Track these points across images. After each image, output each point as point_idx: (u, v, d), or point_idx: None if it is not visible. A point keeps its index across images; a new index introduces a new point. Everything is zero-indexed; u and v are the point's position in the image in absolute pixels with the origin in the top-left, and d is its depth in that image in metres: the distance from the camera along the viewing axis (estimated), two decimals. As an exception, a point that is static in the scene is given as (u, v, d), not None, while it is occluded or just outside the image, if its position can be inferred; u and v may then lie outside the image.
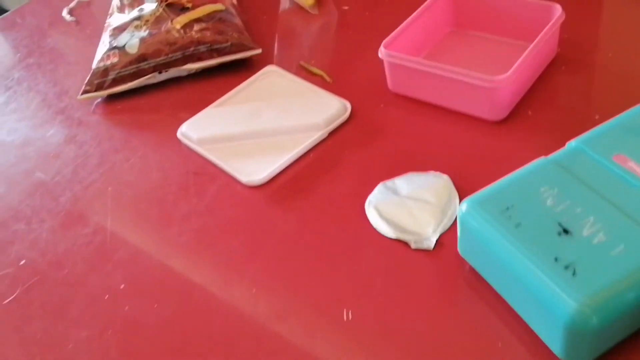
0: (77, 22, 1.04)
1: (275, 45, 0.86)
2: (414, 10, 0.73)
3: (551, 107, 0.66)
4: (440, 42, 0.77)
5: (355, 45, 0.83)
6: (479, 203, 0.48)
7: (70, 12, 1.06)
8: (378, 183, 0.62)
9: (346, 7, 0.90)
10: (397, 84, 0.71)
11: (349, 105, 0.71)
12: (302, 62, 0.80)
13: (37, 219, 0.68)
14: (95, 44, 0.92)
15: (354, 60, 0.80)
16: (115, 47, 0.80)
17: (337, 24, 0.87)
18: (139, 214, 0.66)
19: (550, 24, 0.66)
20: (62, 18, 1.06)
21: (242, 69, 0.81)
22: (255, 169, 0.66)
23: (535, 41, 0.64)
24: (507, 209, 0.47)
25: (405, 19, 0.72)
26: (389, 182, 0.61)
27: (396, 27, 0.70)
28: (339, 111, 0.70)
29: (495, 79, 0.61)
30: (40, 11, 1.12)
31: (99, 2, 1.09)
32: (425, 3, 0.74)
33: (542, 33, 0.64)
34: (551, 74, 0.70)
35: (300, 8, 0.92)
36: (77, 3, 1.08)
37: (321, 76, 0.77)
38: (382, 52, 0.68)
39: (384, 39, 0.69)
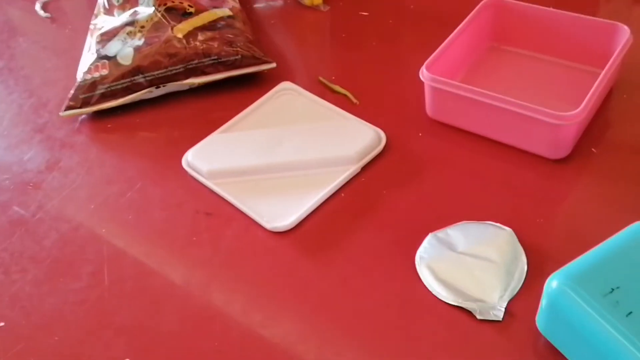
0: (52, 19, 0.91)
1: (289, 56, 0.76)
2: (439, 15, 0.64)
3: (617, 144, 0.58)
4: (480, 58, 0.68)
5: (381, 59, 0.73)
6: (575, 281, 0.40)
7: (44, 7, 0.94)
8: (425, 231, 0.53)
9: (365, 13, 0.80)
10: (439, 111, 0.62)
11: (383, 135, 0.62)
12: (321, 78, 0.71)
13: (17, 267, 0.58)
14: (76, 47, 0.80)
15: (381, 77, 0.70)
16: (104, 57, 0.69)
17: (357, 33, 0.78)
18: (141, 265, 0.56)
19: (619, 48, 0.57)
20: (35, 13, 0.93)
21: (252, 84, 0.71)
22: (278, 210, 0.57)
23: (606, 68, 0.56)
24: (612, 291, 0.39)
25: (430, 24, 0.63)
26: (440, 233, 0.53)
27: (424, 37, 0.61)
28: (372, 141, 0.61)
29: (564, 116, 0.53)
30: (8, 3, 0.99)
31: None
32: (468, 18, 0.65)
33: (613, 59, 0.56)
34: (613, 103, 0.62)
35: (313, 11, 0.82)
36: (52, -4, 0.96)
37: (345, 96, 0.68)
38: (424, 76, 0.59)
39: (413, 52, 0.60)
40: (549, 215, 0.53)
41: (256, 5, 0.86)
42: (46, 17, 0.92)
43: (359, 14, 0.80)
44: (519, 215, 0.53)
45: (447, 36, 0.63)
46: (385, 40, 0.76)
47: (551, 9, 0.64)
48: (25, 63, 0.84)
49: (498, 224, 0.53)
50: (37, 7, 0.93)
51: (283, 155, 0.61)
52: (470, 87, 0.57)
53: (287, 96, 0.69)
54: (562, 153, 0.57)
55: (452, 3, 0.79)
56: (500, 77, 0.66)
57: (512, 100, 0.55)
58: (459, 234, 0.52)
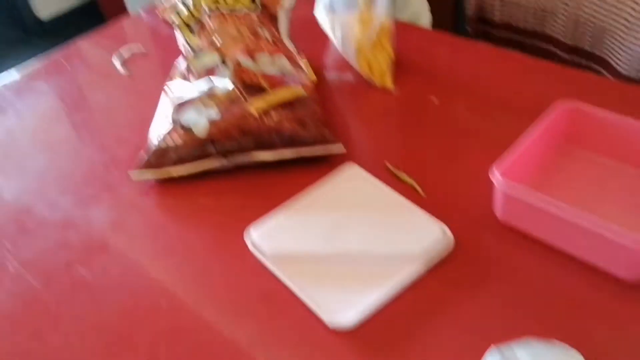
0: (130, 76, 0.95)
1: (357, 137, 0.76)
2: (511, 107, 0.63)
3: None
4: (552, 159, 0.67)
5: (450, 150, 0.73)
6: None
7: (123, 63, 0.98)
8: (488, 341, 0.52)
9: (435, 100, 0.80)
10: (510, 215, 0.61)
11: (449, 233, 0.61)
12: (388, 164, 0.70)
13: (76, 334, 0.58)
14: (150, 105, 0.83)
15: (450, 170, 0.70)
16: (179, 125, 0.71)
17: (426, 119, 0.78)
18: (197, 340, 0.56)
19: None
20: (114, 67, 0.97)
21: (319, 163, 0.72)
22: (339, 304, 0.56)
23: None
24: None
25: (503, 117, 0.62)
26: (505, 349, 0.51)
27: (496, 131, 0.61)
28: (439, 240, 0.60)
29: (644, 239, 0.51)
30: (90, 55, 1.03)
31: (156, 52, 1.01)
32: (543, 119, 0.64)
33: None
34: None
35: (383, 92, 0.82)
36: (131, 53, 0.99)
37: (412, 186, 0.68)
38: (495, 178, 0.59)
39: (484, 145, 0.59)
40: (622, 341, 0.51)
41: (327, 76, 0.87)
42: (124, 73, 0.95)
43: (429, 100, 0.80)
44: (588, 338, 0.51)
45: (519, 131, 0.62)
46: (454, 130, 0.75)
47: (629, 118, 0.63)
48: (102, 118, 0.88)
49: (566, 346, 0.50)
50: (117, 63, 0.97)
51: (346, 245, 0.60)
52: (544, 196, 0.56)
53: (352, 179, 0.69)
54: (638, 276, 0.54)
55: (524, 97, 0.78)
56: (573, 182, 0.64)
57: (589, 216, 0.53)
58: (524, 353, 0.50)
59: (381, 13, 0.79)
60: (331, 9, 0.86)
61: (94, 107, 0.90)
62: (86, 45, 1.06)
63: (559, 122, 0.66)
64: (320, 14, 0.90)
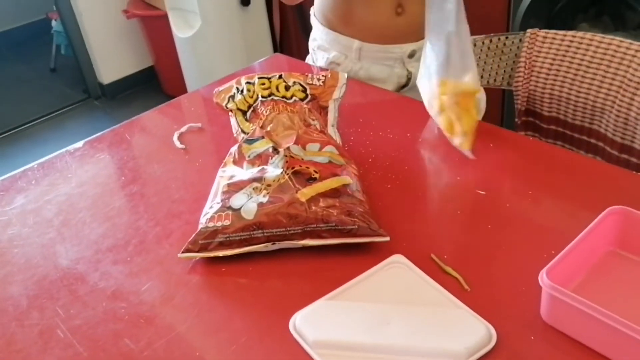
0: (186, 151, 1.00)
1: (403, 226, 0.77)
2: (558, 207, 0.63)
3: None
4: (599, 263, 0.67)
5: (496, 246, 0.73)
6: None
7: (180, 138, 1.03)
8: None
9: (483, 192, 0.81)
10: (556, 318, 0.60)
11: (493, 331, 0.60)
12: (434, 256, 0.71)
13: (118, 408, 0.60)
14: (203, 181, 0.86)
15: (495, 266, 0.70)
16: (229, 208, 0.74)
17: (472, 212, 0.79)
18: None
19: None
20: (172, 141, 1.02)
21: (364, 251, 0.73)
22: (378, 400, 0.56)
23: None
24: None
25: (548, 215, 0.62)
26: None
27: (543, 229, 0.61)
28: (482, 339, 0.59)
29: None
30: (151, 129, 1.09)
31: (212, 129, 1.05)
32: (593, 224, 0.64)
33: None
34: None
35: (427, 187, 0.84)
36: (189, 128, 1.05)
37: (457, 279, 0.68)
38: (544, 282, 0.59)
39: (532, 244, 0.60)
40: None
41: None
42: (181, 148, 1.00)
43: (476, 192, 0.81)
44: None
45: (568, 230, 0.62)
46: (501, 225, 0.76)
47: (683, 228, 0.62)
48: (156, 190, 0.91)
49: None
50: (175, 137, 1.02)
51: (390, 337, 0.60)
52: (590, 303, 0.56)
53: (397, 270, 0.69)
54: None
55: (573, 196, 0.79)
56: (622, 289, 0.64)
57: (634, 326, 0.53)
58: None
59: (469, 79, 0.81)
60: (428, 77, 0.89)
61: (151, 180, 0.94)
62: (147, 119, 1.12)
63: (610, 228, 0.66)
64: (421, 82, 0.92)
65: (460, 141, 0.84)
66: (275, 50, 2.74)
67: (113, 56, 3.11)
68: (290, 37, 2.65)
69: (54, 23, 3.31)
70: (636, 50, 0.91)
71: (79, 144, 1.05)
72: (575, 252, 0.62)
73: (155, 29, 2.85)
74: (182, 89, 2.75)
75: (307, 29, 2.51)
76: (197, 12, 2.45)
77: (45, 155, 1.02)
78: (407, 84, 1.11)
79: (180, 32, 2.57)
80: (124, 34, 3.07)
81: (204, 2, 2.42)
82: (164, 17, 2.65)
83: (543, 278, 0.59)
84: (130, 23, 2.99)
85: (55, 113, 3.08)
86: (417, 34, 1.08)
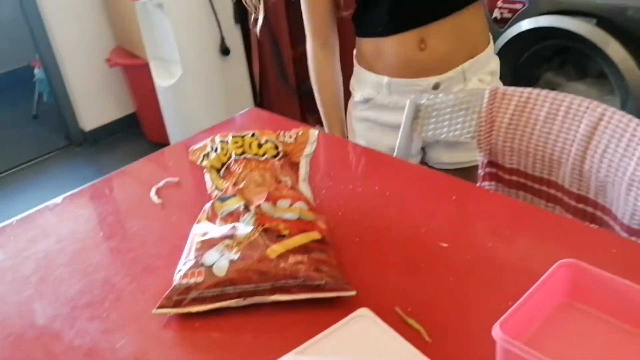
0: (163, 205, 1.03)
1: (369, 280, 0.81)
2: (513, 261, 0.67)
3: None
4: (553, 314, 0.70)
5: (456, 298, 0.77)
6: None
7: (158, 192, 1.06)
8: None
9: (445, 245, 0.85)
10: (509, 370, 0.64)
11: (451, 384, 0.64)
12: (397, 309, 0.75)
13: None
14: (179, 236, 0.89)
15: (455, 317, 0.73)
16: (201, 265, 0.77)
17: (435, 264, 0.82)
18: None
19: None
20: (150, 196, 1.05)
21: (332, 305, 0.76)
22: None
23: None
24: None
25: (505, 270, 0.66)
26: None
27: (505, 284, 0.65)
28: (440, 391, 0.62)
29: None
30: (129, 185, 1.12)
31: (189, 183, 1.09)
32: (544, 277, 0.68)
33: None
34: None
35: (394, 240, 0.88)
36: (166, 182, 1.08)
37: (419, 331, 0.71)
38: (497, 334, 0.62)
39: (487, 295, 0.63)
40: None
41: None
42: (158, 203, 1.03)
43: (439, 244, 0.85)
44: None
45: (525, 283, 0.66)
46: (462, 277, 0.80)
47: (626, 280, 0.66)
48: (134, 246, 0.94)
49: None
50: (152, 192, 1.06)
51: (353, 392, 0.63)
52: (542, 356, 0.59)
53: (363, 323, 0.73)
54: None
55: (531, 248, 0.83)
56: (573, 337, 0.67)
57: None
58: None
59: None
60: None
61: (128, 235, 0.97)
62: (126, 174, 1.15)
63: (562, 280, 0.70)
64: None
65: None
66: (254, 97, 2.81)
67: (95, 103, 3.15)
68: (269, 84, 2.72)
69: (36, 71, 3.36)
70: (586, 107, 0.97)
71: (58, 199, 1.07)
72: (529, 304, 0.66)
73: (137, 77, 2.91)
74: (164, 136, 2.80)
75: (285, 76, 2.58)
76: (178, 62, 2.52)
77: (26, 202, 1.04)
78: None
79: (162, 80, 2.63)
80: (106, 82, 3.13)
81: (184, 52, 2.49)
82: (146, 66, 2.71)
83: (496, 331, 0.62)
84: (113, 71, 3.05)
85: (37, 160, 3.11)
86: (440, 67, 1.17)
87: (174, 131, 2.74)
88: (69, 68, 3.00)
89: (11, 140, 3.39)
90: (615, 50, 1.60)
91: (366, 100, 1.26)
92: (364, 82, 1.25)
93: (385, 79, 1.20)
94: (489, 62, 1.22)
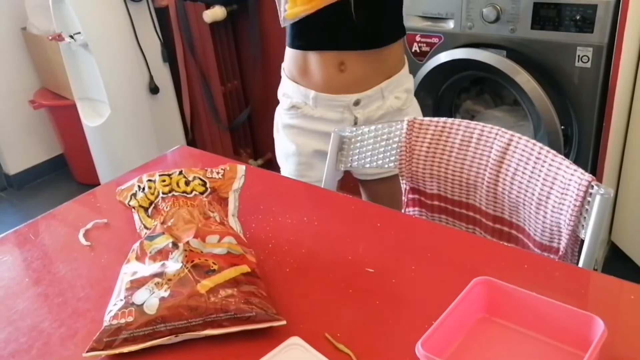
0: (91, 247, 1.02)
1: (299, 308, 0.83)
2: (436, 282, 0.72)
3: None
4: (472, 329, 0.75)
5: (382, 320, 0.80)
6: None
7: (86, 234, 1.05)
8: None
9: (372, 270, 0.89)
10: (433, 386, 0.67)
11: (379, 404, 0.66)
12: (327, 335, 0.77)
13: None
14: (108, 278, 0.89)
15: (382, 340, 0.77)
16: (132, 304, 0.77)
17: (362, 289, 0.86)
18: None
19: (595, 341, 0.64)
20: (77, 239, 1.04)
21: (264, 335, 0.78)
22: None
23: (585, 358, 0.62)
24: None
25: (428, 289, 0.70)
26: None
27: (428, 303, 0.69)
28: (369, 412, 0.65)
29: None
30: (55, 228, 1.11)
31: (118, 224, 1.08)
32: (462, 294, 0.72)
33: (590, 351, 0.62)
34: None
35: (324, 269, 0.91)
36: (94, 224, 1.07)
37: (348, 355, 0.74)
38: (419, 352, 0.66)
39: (415, 317, 0.67)
40: None
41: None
42: (86, 245, 1.02)
43: (366, 270, 0.89)
44: None
45: (446, 301, 0.70)
46: (387, 300, 0.83)
47: (534, 293, 0.72)
48: (61, 290, 0.93)
49: None
50: (80, 234, 1.05)
51: (285, 419, 0.65)
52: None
53: (294, 351, 0.75)
54: None
55: (450, 268, 0.88)
56: (491, 350, 0.72)
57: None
58: None
59: None
60: None
61: (55, 280, 0.95)
62: (52, 217, 1.14)
63: (478, 297, 0.75)
64: None
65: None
66: (186, 135, 2.81)
67: (19, 146, 3.06)
68: (200, 121, 2.72)
69: (-45, 115, 3.23)
70: (496, 134, 1.04)
71: (-19, 247, 1.05)
72: (449, 322, 0.70)
73: (64, 118, 2.85)
74: (94, 176, 2.74)
75: (216, 112, 2.60)
76: (106, 101, 2.49)
77: None
78: (355, 124, 1.30)
79: (90, 121, 2.58)
80: (31, 123, 3.04)
81: (112, 92, 2.47)
82: (73, 107, 2.66)
83: (419, 349, 0.66)
84: (37, 113, 2.97)
85: (-43, 207, 2.97)
86: (360, 86, 1.27)
87: (104, 171, 2.69)
88: (-9, 111, 2.91)
89: None
90: (524, 79, 1.71)
91: (295, 108, 1.33)
92: (293, 92, 1.33)
93: (312, 93, 1.29)
94: (404, 82, 1.33)
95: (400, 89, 1.31)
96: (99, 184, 2.69)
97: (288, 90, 1.34)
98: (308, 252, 0.95)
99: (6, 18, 2.86)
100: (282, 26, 1.17)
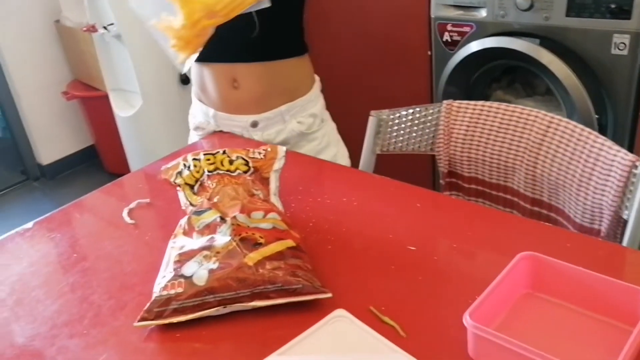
0: (135, 226, 1.04)
1: (344, 283, 0.85)
2: (480, 256, 0.72)
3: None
4: (517, 304, 0.75)
5: (427, 294, 0.81)
6: None
7: (130, 214, 1.07)
8: None
9: (413, 248, 0.90)
10: (481, 355, 0.68)
11: (427, 373, 0.67)
12: (372, 308, 0.78)
13: None
14: (153, 254, 0.91)
15: (427, 313, 0.78)
16: (181, 276, 0.79)
17: (405, 266, 0.87)
18: None
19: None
20: (122, 218, 1.06)
21: (310, 308, 0.79)
22: None
23: (635, 331, 0.62)
24: None
25: (471, 265, 0.71)
26: None
27: (472, 278, 0.69)
28: (418, 380, 0.66)
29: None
30: (99, 208, 1.13)
31: (159, 204, 1.11)
32: (507, 268, 0.73)
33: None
34: None
35: (367, 247, 0.92)
36: (137, 204, 1.10)
37: (394, 328, 0.75)
38: (467, 322, 0.66)
39: (460, 291, 0.68)
40: None
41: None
42: (130, 223, 1.05)
43: (407, 248, 0.90)
44: None
45: (489, 276, 0.71)
46: (430, 276, 0.84)
47: (581, 268, 0.72)
48: (108, 265, 0.95)
49: None
50: (124, 212, 1.07)
51: (335, 386, 0.66)
52: (509, 338, 0.64)
53: (340, 323, 0.76)
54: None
55: (492, 247, 0.88)
56: (536, 324, 0.72)
57: (548, 356, 0.61)
58: None
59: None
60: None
61: (102, 256, 0.98)
62: (94, 199, 1.16)
63: (523, 272, 0.75)
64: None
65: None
66: (215, 125, 2.84)
67: (52, 137, 3.12)
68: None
69: (-10, 106, 3.31)
70: (535, 117, 1.04)
71: (29, 224, 1.08)
72: (494, 295, 0.71)
73: (96, 108, 2.90)
74: (124, 166, 2.79)
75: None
76: (137, 92, 2.53)
77: None
78: None
79: (122, 111, 2.63)
80: (63, 115, 3.11)
81: (144, 83, 2.51)
82: (104, 98, 2.71)
83: (467, 319, 0.67)
84: (69, 104, 3.03)
85: (-7, 196, 3.04)
86: (257, 106, 1.21)
87: (135, 161, 2.73)
88: (25, 102, 2.98)
89: (-36, 177, 3.31)
90: (558, 67, 1.70)
91: (199, 129, 1.32)
92: (197, 111, 1.32)
93: (211, 111, 1.26)
94: (309, 107, 1.24)
95: (304, 113, 1.23)
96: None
97: (194, 109, 1.33)
98: (348, 230, 0.97)
99: (40, 11, 2.92)
100: (182, 72, 1.10)
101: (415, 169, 1.41)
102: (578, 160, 0.98)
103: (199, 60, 1.17)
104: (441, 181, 1.19)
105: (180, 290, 0.78)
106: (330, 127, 1.29)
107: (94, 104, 2.90)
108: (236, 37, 1.11)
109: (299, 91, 1.22)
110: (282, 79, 1.20)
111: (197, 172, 0.95)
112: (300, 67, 1.22)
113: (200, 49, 1.00)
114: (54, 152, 3.15)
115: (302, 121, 1.23)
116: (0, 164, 3.36)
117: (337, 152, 1.30)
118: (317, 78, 1.28)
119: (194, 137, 1.36)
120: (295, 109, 1.22)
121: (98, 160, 3.16)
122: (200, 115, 1.29)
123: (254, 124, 1.22)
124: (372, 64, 2.24)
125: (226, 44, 1.14)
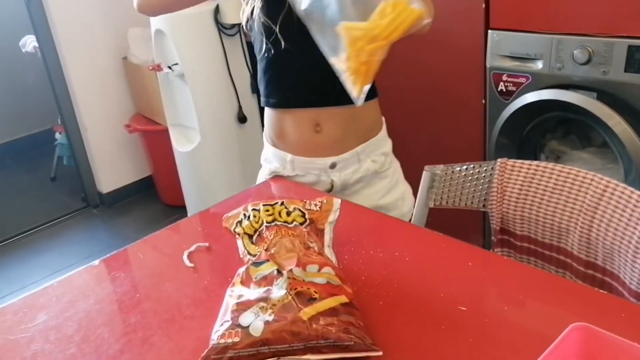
0: (195, 269, 1.09)
1: (396, 344, 0.86)
2: (535, 323, 0.73)
3: None
4: (568, 375, 0.75)
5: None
6: None
7: (189, 256, 1.13)
8: None
9: (464, 308, 0.91)
10: None
11: None
12: (421, 369, 0.80)
13: None
14: (211, 299, 0.95)
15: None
16: (238, 325, 0.83)
17: (457, 326, 0.88)
18: None
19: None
20: (182, 260, 1.12)
21: (360, 364, 0.82)
22: None
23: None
24: None
25: (527, 332, 0.71)
26: None
27: (520, 344, 0.70)
28: None
29: None
30: (161, 248, 1.19)
31: (217, 248, 1.16)
32: (557, 341, 0.73)
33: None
34: None
35: (415, 304, 0.94)
36: (197, 247, 1.15)
37: (442, 391, 0.76)
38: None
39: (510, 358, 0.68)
40: None
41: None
42: (190, 267, 1.10)
43: (458, 308, 0.91)
44: None
45: (538, 346, 0.72)
46: (480, 338, 0.85)
47: (636, 344, 0.72)
48: (168, 307, 1.00)
49: None
50: (184, 256, 1.12)
51: None
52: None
53: (389, 382, 0.78)
54: None
55: (542, 314, 0.88)
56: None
57: None
58: None
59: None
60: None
61: (163, 297, 1.03)
62: (157, 239, 1.22)
63: (573, 344, 0.75)
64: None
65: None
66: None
67: (113, 166, 3.26)
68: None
69: (57, 135, 3.49)
70: (591, 180, 1.04)
71: (95, 262, 1.14)
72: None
73: (156, 142, 3.02)
74: (179, 198, 2.88)
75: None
76: (196, 128, 2.63)
77: (44, 264, 1.10)
78: (332, 189, 1.30)
79: (180, 146, 2.73)
80: (124, 146, 3.25)
81: (203, 120, 2.61)
82: (164, 132, 2.83)
83: (516, 390, 0.67)
84: (131, 136, 3.17)
85: (54, 221, 3.18)
86: (336, 148, 1.27)
87: (191, 194, 2.83)
88: (90, 133, 3.13)
89: (29, 202, 3.48)
90: (615, 122, 1.69)
91: (274, 174, 1.36)
92: (272, 157, 1.35)
93: (289, 156, 1.30)
94: (381, 145, 1.32)
95: (377, 152, 1.30)
96: (184, 206, 2.84)
97: (268, 155, 1.37)
98: (400, 286, 0.99)
99: (109, 48, 3.09)
100: (357, 105, 1.04)
101: (467, 221, 1.41)
102: (635, 227, 0.98)
103: (280, 106, 1.26)
104: (493, 238, 1.19)
105: (237, 339, 0.81)
106: (397, 165, 1.37)
107: (154, 137, 3.02)
108: (323, 83, 1.16)
109: (372, 132, 1.30)
110: (359, 121, 1.27)
111: (256, 222, 0.99)
112: (374, 109, 1.30)
113: (373, 79, 1.02)
114: (113, 181, 3.29)
115: (375, 160, 1.30)
116: (64, 191, 3.52)
117: (405, 189, 1.37)
118: (383, 119, 1.36)
119: (262, 178, 1.40)
120: (370, 149, 1.29)
121: (154, 191, 3.27)
122: (276, 160, 1.34)
123: (333, 166, 1.28)
124: (427, 111, 2.26)
125: (313, 90, 1.22)
